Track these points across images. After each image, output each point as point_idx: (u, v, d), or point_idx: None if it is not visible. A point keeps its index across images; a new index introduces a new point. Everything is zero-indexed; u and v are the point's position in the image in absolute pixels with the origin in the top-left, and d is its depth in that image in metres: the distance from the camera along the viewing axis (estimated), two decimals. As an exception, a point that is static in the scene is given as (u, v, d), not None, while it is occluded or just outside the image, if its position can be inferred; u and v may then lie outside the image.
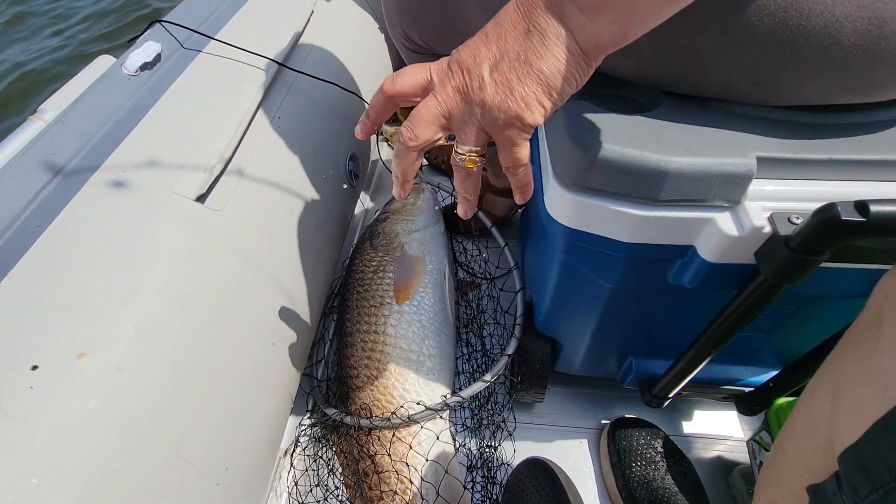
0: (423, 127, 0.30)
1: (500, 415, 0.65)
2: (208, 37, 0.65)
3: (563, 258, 0.45)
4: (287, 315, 0.59)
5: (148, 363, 0.41)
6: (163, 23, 0.65)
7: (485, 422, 0.65)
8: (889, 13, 0.28)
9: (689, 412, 0.65)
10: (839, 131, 0.35)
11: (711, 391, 0.57)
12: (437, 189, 0.87)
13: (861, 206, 0.26)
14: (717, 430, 0.64)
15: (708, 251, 0.36)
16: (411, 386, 0.64)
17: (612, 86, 0.41)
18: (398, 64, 1.07)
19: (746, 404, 0.56)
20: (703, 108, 0.37)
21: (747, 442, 0.57)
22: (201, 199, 0.50)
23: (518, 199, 0.34)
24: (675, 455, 0.58)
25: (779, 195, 0.34)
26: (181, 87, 0.59)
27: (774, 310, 0.45)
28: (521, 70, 0.26)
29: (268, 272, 0.57)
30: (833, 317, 0.45)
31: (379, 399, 0.63)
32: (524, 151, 0.30)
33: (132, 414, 0.38)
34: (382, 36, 1.02)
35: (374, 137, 0.98)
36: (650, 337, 0.54)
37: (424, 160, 1.04)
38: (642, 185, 0.34)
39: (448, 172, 1.01)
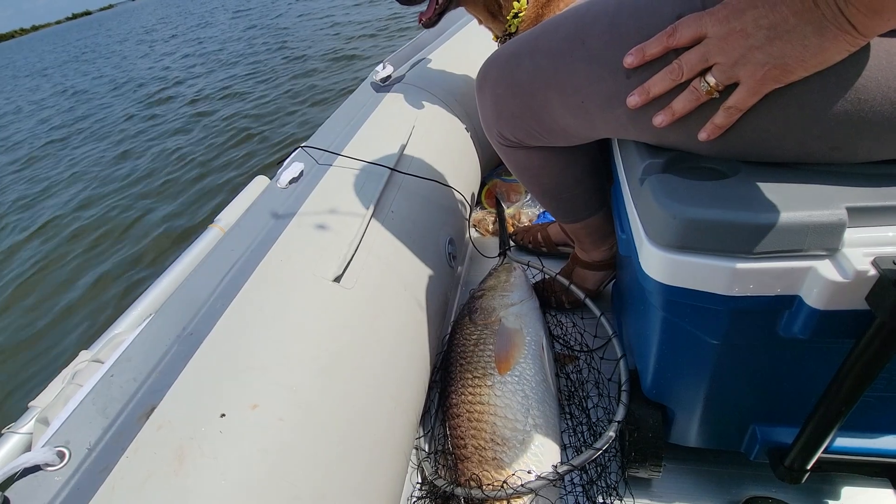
0: (692, 54, 0.38)
1: (615, 490, 0.62)
2: (336, 153, 0.82)
3: (664, 316, 0.47)
4: (402, 385, 0.65)
5: (299, 419, 0.48)
6: (304, 147, 0.83)
7: (599, 500, 0.63)
8: None
9: (835, 491, 0.58)
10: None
11: (857, 464, 0.52)
12: (527, 267, 0.92)
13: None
14: (874, 513, 0.56)
15: (814, 299, 0.37)
16: (518, 456, 0.64)
17: (690, 159, 0.46)
18: (483, 157, 1.21)
19: (905, 481, 0.50)
20: (782, 170, 0.40)
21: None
22: (337, 279, 0.61)
23: (703, 136, 0.40)
24: (826, 543, 0.51)
25: (877, 241, 0.35)
26: (319, 195, 0.73)
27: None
28: (799, 42, 0.33)
29: (385, 345, 0.64)
30: None
31: (487, 469, 0.64)
32: (756, 99, 0.37)
33: (289, 460, 0.45)
34: (469, 134, 1.17)
35: (466, 223, 1.09)
36: (772, 400, 0.52)
37: (512, 241, 1.12)
38: (733, 241, 0.37)
39: (535, 252, 1.07)
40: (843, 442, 0.51)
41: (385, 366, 0.64)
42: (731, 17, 0.36)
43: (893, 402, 0.48)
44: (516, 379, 0.71)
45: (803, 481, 0.51)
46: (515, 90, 0.55)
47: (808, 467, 0.50)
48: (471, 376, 0.74)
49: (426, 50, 1.30)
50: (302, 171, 0.78)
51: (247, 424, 0.44)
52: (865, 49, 0.34)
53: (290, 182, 0.75)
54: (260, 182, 0.81)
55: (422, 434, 0.75)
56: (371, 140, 0.89)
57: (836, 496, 0.58)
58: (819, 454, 0.48)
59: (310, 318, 0.56)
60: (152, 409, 0.44)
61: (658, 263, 0.42)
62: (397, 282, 0.70)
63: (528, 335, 0.76)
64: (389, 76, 1.16)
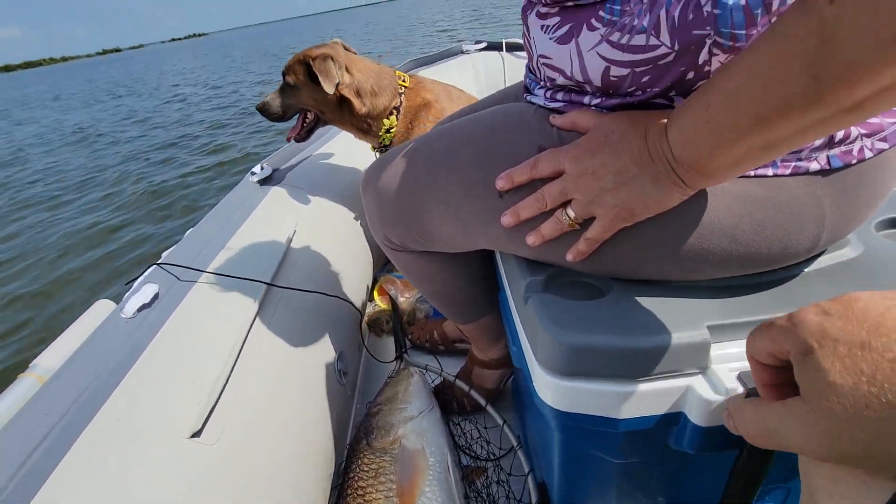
0: (554, 187, 0.41)
1: None
2: (202, 270, 0.72)
3: (564, 438, 0.45)
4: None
5: None
6: (161, 265, 0.72)
7: None
8: (764, 215, 0.38)
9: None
10: (769, 286, 0.41)
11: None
12: (424, 371, 0.88)
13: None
14: None
15: (696, 416, 0.37)
16: None
17: (568, 274, 0.47)
18: (375, 251, 1.18)
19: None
20: (649, 286, 0.43)
21: None
22: (196, 434, 0.50)
23: (569, 258, 0.43)
24: None
25: (741, 356, 0.37)
26: (177, 323, 0.62)
27: (783, 462, 0.45)
28: (640, 190, 0.36)
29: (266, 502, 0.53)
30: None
31: None
32: (610, 234, 0.40)
33: None
34: (359, 227, 1.15)
35: (357, 332, 1.02)
36: (676, 507, 0.51)
37: (408, 341, 1.07)
38: (616, 365, 0.37)
39: (433, 351, 1.04)
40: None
41: (262, 532, 0.52)
42: (582, 156, 0.39)
43: (771, 493, 0.50)
44: (422, 513, 0.63)
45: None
46: (398, 197, 0.54)
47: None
48: (370, 517, 0.64)
49: (309, 149, 1.29)
50: (156, 295, 0.67)
51: None
52: (703, 192, 0.38)
53: (140, 309, 0.64)
54: (101, 309, 0.68)
55: None
56: (245, 250, 0.81)
57: None
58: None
59: (157, 492, 0.44)
60: None
61: (552, 390, 0.41)
62: (275, 423, 0.60)
63: (432, 455, 0.70)
64: (269, 177, 1.11)
